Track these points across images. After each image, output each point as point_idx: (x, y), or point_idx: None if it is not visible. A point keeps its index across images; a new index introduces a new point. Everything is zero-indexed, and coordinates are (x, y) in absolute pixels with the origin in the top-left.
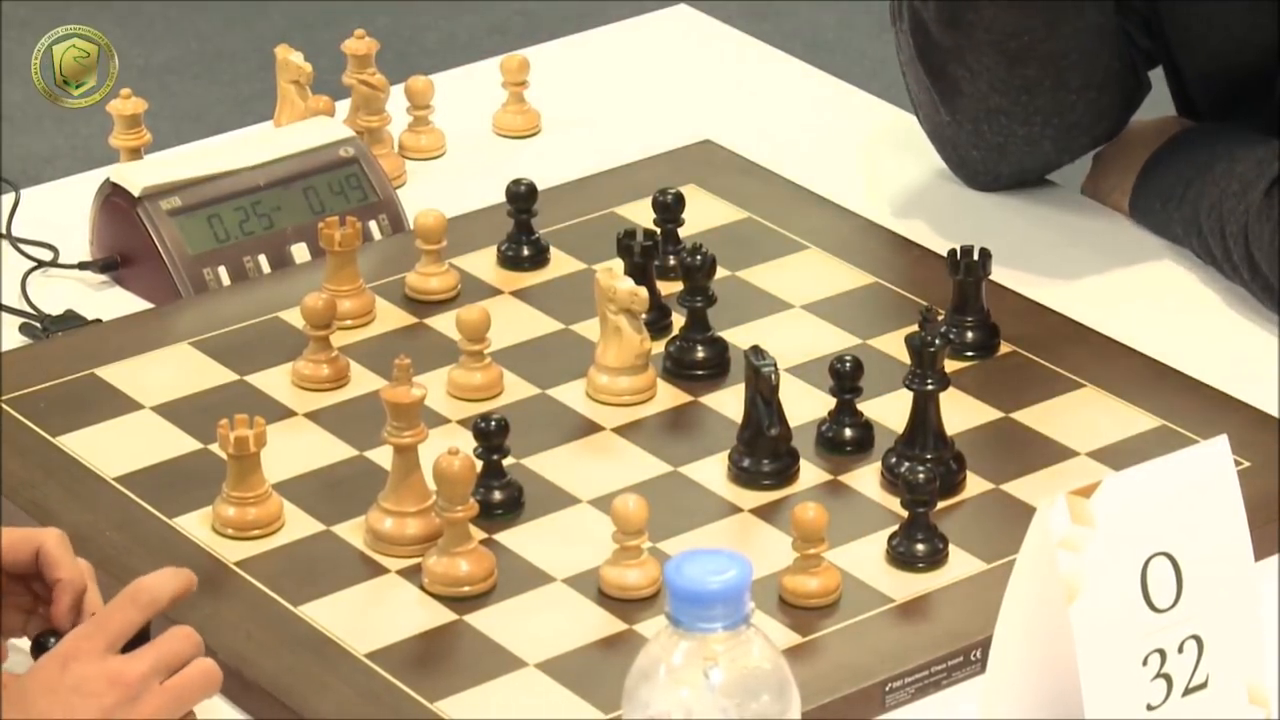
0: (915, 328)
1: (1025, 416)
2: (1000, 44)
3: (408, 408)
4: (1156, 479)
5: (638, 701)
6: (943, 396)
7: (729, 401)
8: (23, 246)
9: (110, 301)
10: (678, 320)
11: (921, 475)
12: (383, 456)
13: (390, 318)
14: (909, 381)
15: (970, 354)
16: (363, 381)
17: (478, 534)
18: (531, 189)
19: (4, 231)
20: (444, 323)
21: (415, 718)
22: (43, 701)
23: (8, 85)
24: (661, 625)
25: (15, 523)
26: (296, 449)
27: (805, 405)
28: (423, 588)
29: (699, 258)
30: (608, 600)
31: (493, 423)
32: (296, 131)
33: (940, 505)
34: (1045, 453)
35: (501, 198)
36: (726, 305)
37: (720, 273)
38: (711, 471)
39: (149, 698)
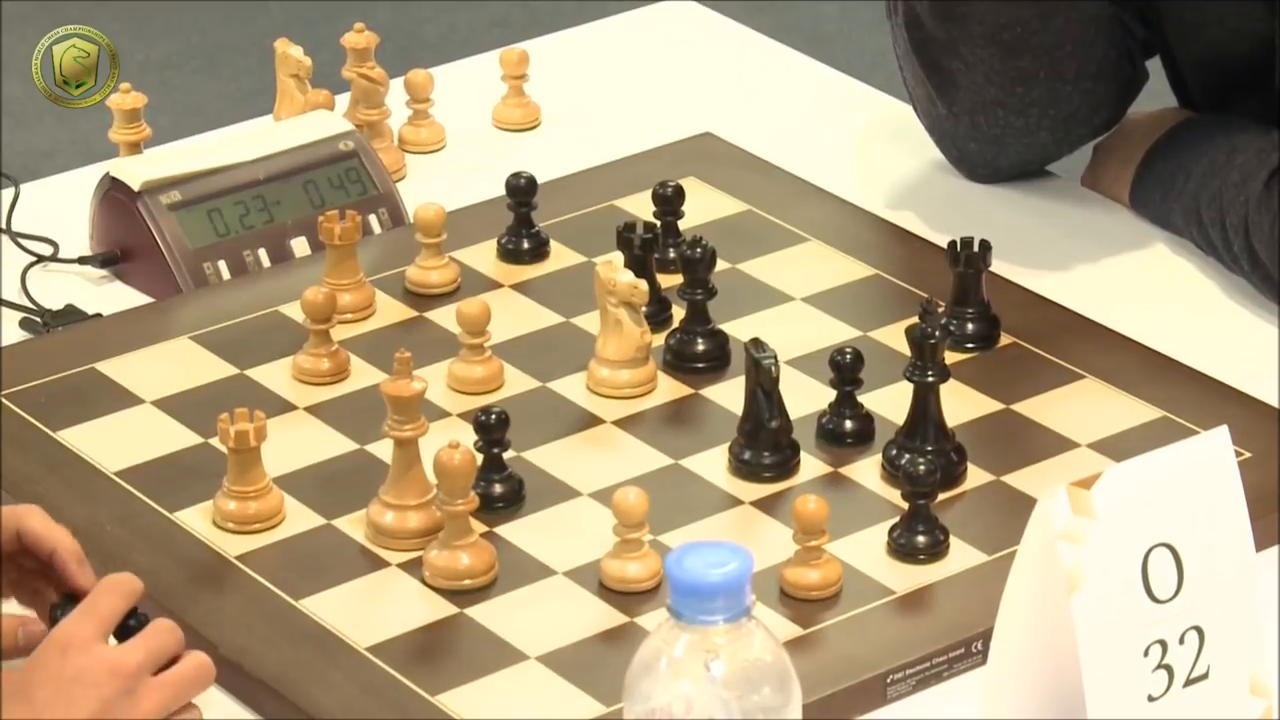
0: (915, 320)
1: (1026, 408)
2: (995, 36)
3: (408, 401)
4: (1157, 470)
5: (639, 694)
6: (943, 388)
7: (729, 394)
8: (23, 241)
9: (110, 296)
10: (678, 313)
11: (922, 467)
12: (383, 450)
13: (390, 311)
14: (909, 373)
15: (970, 346)
16: (363, 375)
17: (479, 527)
18: (531, 182)
19: (4, 226)
20: (444, 316)
21: (417, 711)
22: (43, 693)
23: (8, 80)
24: (662, 618)
25: None
26: (297, 443)
27: (806, 397)
28: (424, 581)
29: (699, 250)
30: (609, 593)
31: (493, 416)
32: (296, 125)
33: (941, 497)
34: (1046, 444)
35: (501, 191)
36: (727, 298)
37: (720, 265)
38: (712, 464)
39: (146, 691)
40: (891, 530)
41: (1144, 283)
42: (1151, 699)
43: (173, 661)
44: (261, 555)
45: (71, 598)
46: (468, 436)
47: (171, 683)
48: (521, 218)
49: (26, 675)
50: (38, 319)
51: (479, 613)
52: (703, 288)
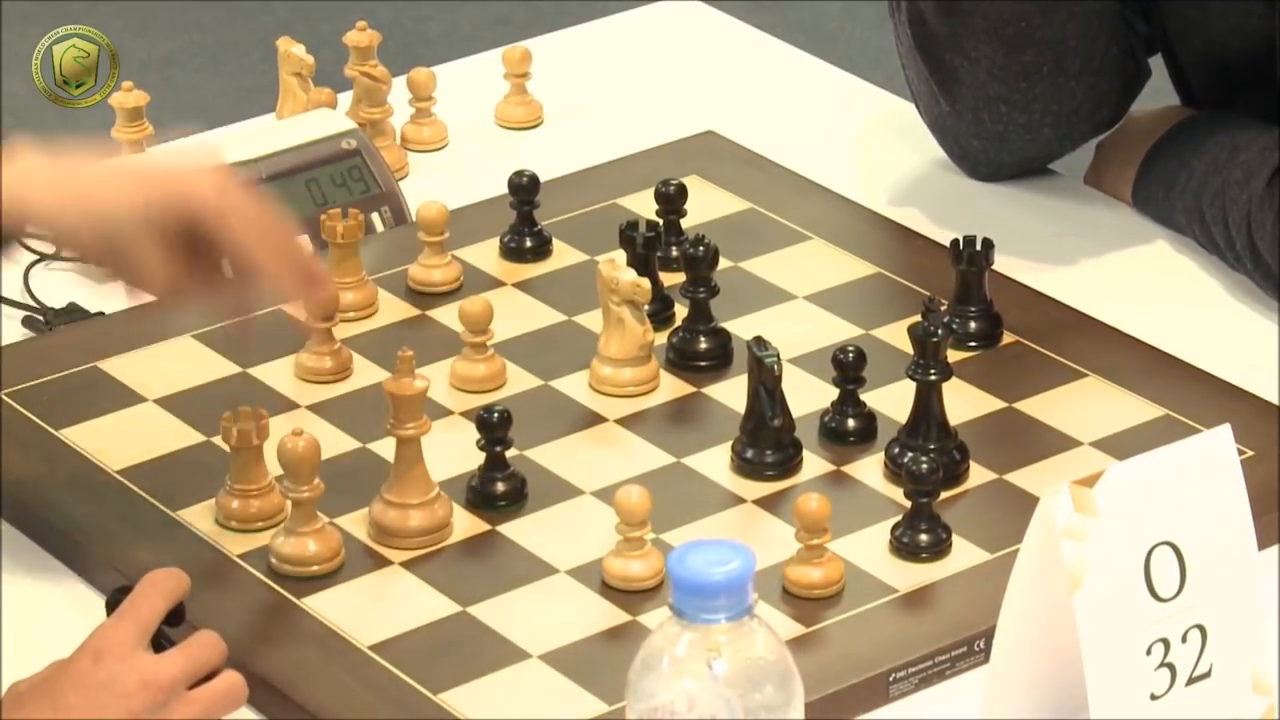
0: (918, 318)
1: (1028, 406)
2: (998, 30)
3: (410, 400)
4: (1160, 468)
5: (641, 693)
6: (946, 387)
7: (732, 392)
8: (25, 240)
9: (113, 295)
10: (680, 311)
11: (925, 465)
12: (385, 449)
13: (393, 310)
14: (912, 372)
15: (973, 344)
16: (365, 374)
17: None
18: (534, 180)
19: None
20: (446, 314)
21: (419, 710)
22: (72, 696)
23: (10, 78)
24: (665, 616)
25: (17, 518)
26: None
27: (808, 396)
28: (270, 568)
29: (701, 248)
30: (611, 591)
31: (495, 414)
32: (298, 124)
33: (943, 495)
34: (1048, 442)
35: (504, 189)
36: (729, 296)
37: (723, 263)
38: (714, 462)
39: (178, 706)
40: (894, 528)
41: (1146, 281)
42: (1154, 697)
43: (210, 675)
44: (264, 554)
45: (127, 589)
46: (471, 434)
47: (201, 701)
48: (524, 216)
49: (58, 676)
50: (40, 317)
51: (481, 611)
52: (705, 286)
